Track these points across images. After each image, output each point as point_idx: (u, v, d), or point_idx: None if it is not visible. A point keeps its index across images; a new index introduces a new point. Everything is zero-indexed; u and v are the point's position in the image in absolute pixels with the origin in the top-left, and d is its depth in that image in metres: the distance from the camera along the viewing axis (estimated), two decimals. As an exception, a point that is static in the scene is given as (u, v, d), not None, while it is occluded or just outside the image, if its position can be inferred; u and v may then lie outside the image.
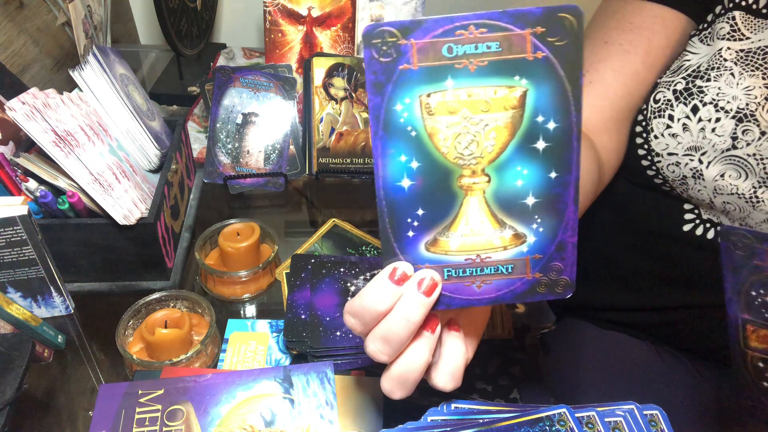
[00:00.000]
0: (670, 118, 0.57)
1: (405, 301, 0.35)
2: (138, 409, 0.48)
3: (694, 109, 0.55)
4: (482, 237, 0.36)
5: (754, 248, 0.37)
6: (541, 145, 0.34)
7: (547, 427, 0.41)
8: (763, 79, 0.52)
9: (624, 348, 0.74)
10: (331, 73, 0.82)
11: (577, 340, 0.77)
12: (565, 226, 0.36)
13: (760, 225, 0.57)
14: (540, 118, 0.33)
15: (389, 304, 0.35)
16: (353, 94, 0.82)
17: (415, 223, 0.35)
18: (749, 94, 0.53)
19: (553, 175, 0.35)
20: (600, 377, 0.72)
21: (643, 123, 0.60)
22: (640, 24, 0.59)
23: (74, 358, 0.59)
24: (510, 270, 0.36)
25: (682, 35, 0.59)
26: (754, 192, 0.55)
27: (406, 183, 0.34)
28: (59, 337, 0.59)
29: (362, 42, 0.32)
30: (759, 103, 0.52)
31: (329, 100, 0.82)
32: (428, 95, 0.33)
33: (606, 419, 0.42)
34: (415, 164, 0.34)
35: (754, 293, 0.39)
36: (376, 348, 0.36)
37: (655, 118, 0.58)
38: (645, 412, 0.44)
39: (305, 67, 0.82)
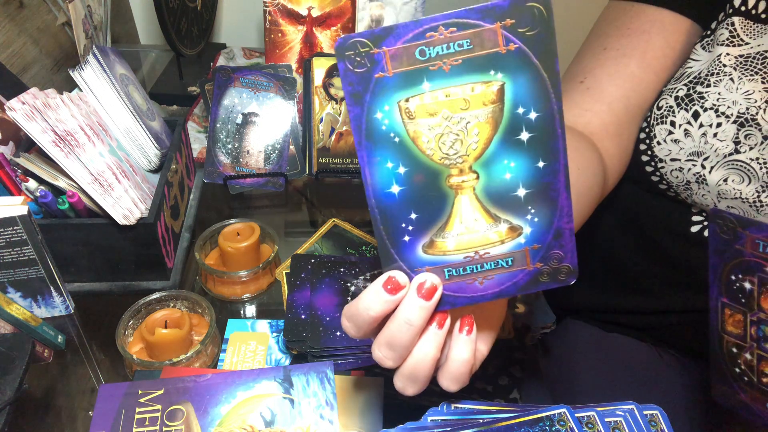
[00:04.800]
0: (672, 124, 0.57)
1: (406, 305, 0.35)
2: (138, 409, 0.48)
3: (695, 115, 0.55)
4: (478, 234, 0.36)
5: (736, 232, 0.37)
6: (524, 136, 0.34)
7: (547, 427, 0.41)
8: (763, 83, 0.52)
9: (624, 348, 0.74)
10: (331, 73, 0.82)
11: (577, 340, 0.77)
12: (560, 214, 0.36)
13: None
14: (520, 110, 0.34)
15: (380, 311, 0.35)
16: (353, 94, 0.82)
17: (410, 228, 0.35)
18: (749, 99, 0.53)
19: (540, 164, 0.35)
20: (600, 377, 0.72)
21: (647, 129, 0.60)
22: (638, 28, 0.59)
23: (74, 358, 0.59)
24: (510, 263, 0.36)
25: (685, 38, 0.59)
26: (758, 196, 0.54)
27: (395, 189, 0.34)
28: (59, 337, 0.59)
29: (336, 56, 0.32)
30: (760, 106, 0.52)
31: (329, 100, 0.82)
32: (407, 100, 0.33)
33: (606, 419, 0.42)
34: (402, 169, 0.34)
35: (733, 277, 0.39)
36: (382, 354, 0.37)
37: (657, 124, 0.58)
38: (645, 412, 0.44)
39: (305, 67, 0.82)
